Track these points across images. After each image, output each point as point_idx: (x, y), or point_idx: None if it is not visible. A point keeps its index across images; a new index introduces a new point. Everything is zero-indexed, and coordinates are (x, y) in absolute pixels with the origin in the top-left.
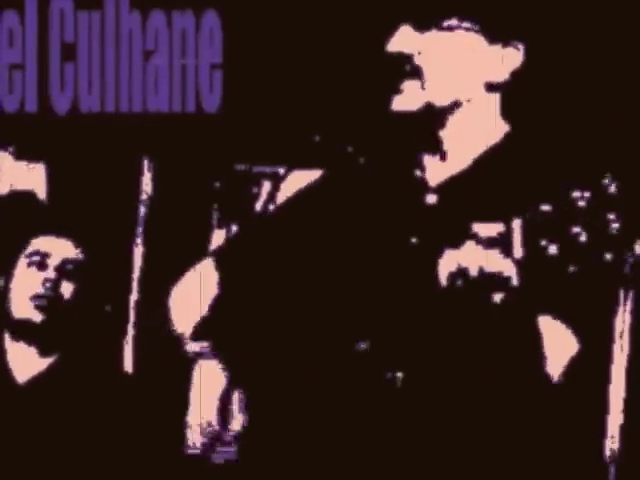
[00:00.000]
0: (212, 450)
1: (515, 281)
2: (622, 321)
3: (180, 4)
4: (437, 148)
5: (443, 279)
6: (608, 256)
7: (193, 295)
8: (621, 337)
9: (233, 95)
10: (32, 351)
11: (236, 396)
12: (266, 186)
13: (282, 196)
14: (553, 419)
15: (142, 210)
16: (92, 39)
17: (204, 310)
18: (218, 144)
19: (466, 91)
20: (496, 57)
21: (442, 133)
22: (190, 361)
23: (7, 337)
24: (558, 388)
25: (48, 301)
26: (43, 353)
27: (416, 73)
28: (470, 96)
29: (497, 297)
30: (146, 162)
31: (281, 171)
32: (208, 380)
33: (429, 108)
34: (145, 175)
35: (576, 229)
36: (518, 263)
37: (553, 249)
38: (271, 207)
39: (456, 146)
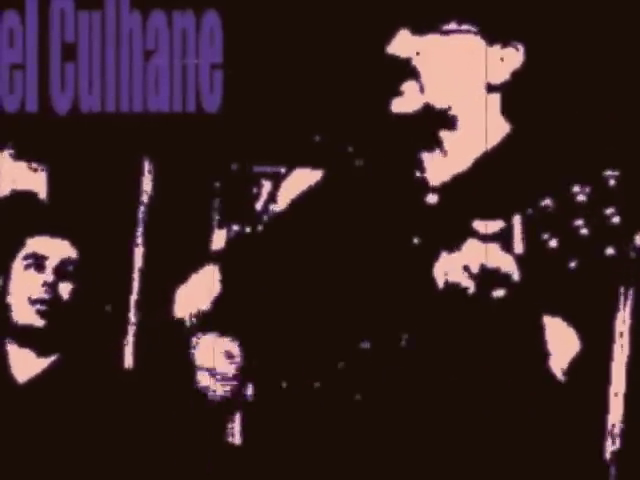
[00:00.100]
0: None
1: (516, 277)
2: (622, 318)
3: (180, 4)
4: (437, 148)
5: (444, 277)
6: (609, 250)
7: (197, 298)
8: (621, 334)
9: (234, 95)
10: (33, 352)
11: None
12: (266, 186)
13: (282, 196)
14: (553, 418)
15: (142, 210)
16: (93, 39)
17: (207, 312)
18: (219, 144)
19: (466, 92)
20: (496, 58)
21: (442, 134)
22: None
23: (8, 339)
24: (558, 386)
25: (48, 305)
26: (44, 354)
27: (415, 75)
28: (470, 97)
29: (499, 293)
30: (146, 162)
31: (282, 171)
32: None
33: (428, 110)
34: (145, 175)
35: (577, 223)
36: (519, 259)
37: (554, 244)
38: (272, 207)
39: (457, 146)
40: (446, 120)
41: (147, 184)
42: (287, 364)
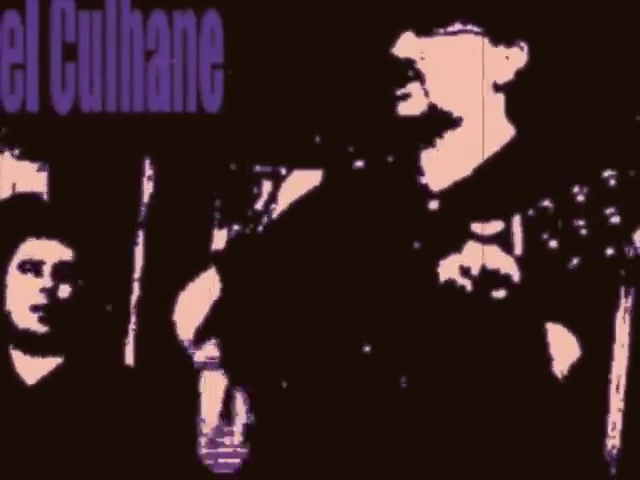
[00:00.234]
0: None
1: (517, 278)
2: (623, 317)
3: (181, 4)
4: (440, 150)
5: (445, 279)
6: (609, 250)
7: (197, 303)
8: (622, 334)
9: (234, 95)
10: (37, 356)
11: (240, 401)
12: (267, 186)
13: (283, 196)
14: (553, 418)
15: (143, 210)
16: (93, 39)
17: (207, 315)
18: (219, 144)
19: (471, 93)
20: (500, 58)
21: (445, 135)
22: (195, 372)
23: (11, 344)
24: (559, 386)
25: (49, 311)
26: (48, 357)
27: (419, 77)
28: (475, 98)
29: (499, 294)
30: (147, 162)
31: (282, 171)
32: (213, 391)
33: (433, 111)
34: (146, 175)
35: (576, 224)
36: (519, 260)
37: (554, 244)
38: (272, 207)
39: (460, 148)
40: (450, 121)
41: (148, 184)
42: (287, 366)
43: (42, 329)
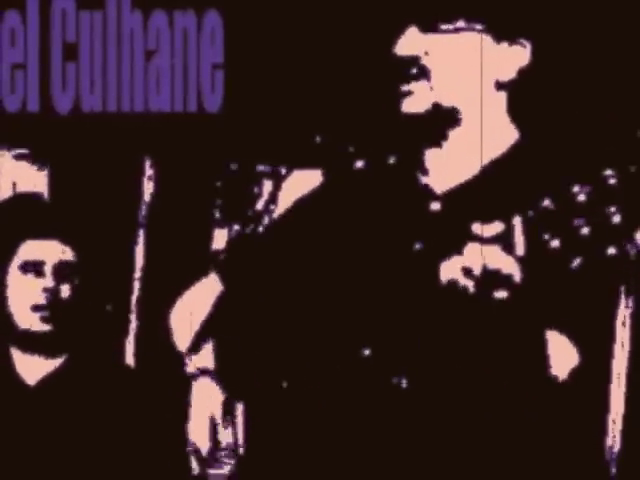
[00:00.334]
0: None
1: (518, 278)
2: (623, 317)
3: (182, 4)
4: (443, 149)
5: (447, 280)
6: (611, 250)
7: (194, 309)
8: (622, 333)
9: (235, 95)
10: (39, 356)
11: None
12: (267, 186)
13: (283, 196)
14: (554, 418)
15: (143, 209)
16: (94, 39)
17: (206, 317)
18: (220, 144)
19: (473, 90)
20: (504, 55)
21: (448, 133)
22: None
23: (13, 345)
24: (559, 386)
25: (51, 310)
26: (51, 357)
27: (424, 74)
28: (477, 95)
29: (501, 295)
30: (148, 161)
31: (282, 171)
32: (205, 400)
33: (436, 109)
34: (146, 174)
35: (577, 223)
36: (521, 260)
37: (555, 244)
38: (272, 207)
39: (463, 149)
40: (452, 119)
41: (148, 183)
42: (288, 368)
43: (43, 329)
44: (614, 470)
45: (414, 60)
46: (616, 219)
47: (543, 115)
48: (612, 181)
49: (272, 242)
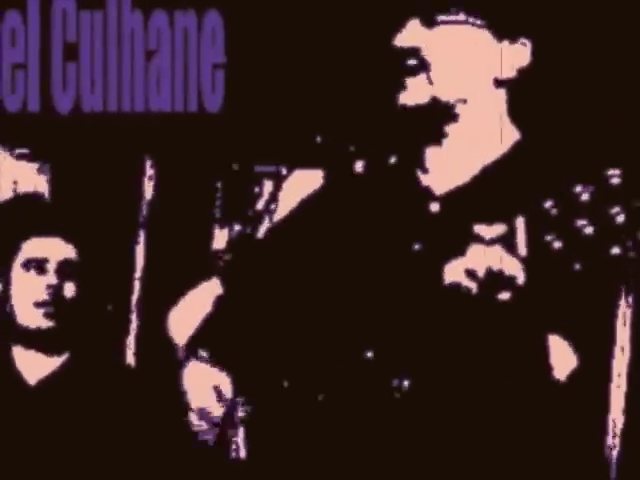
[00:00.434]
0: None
1: (521, 279)
2: (623, 317)
3: (182, 4)
4: (442, 148)
5: (450, 282)
6: (614, 250)
7: (194, 312)
8: (623, 333)
9: (235, 95)
10: (41, 354)
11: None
12: (268, 186)
13: (284, 196)
14: (555, 418)
15: (144, 209)
16: (94, 39)
17: (206, 318)
18: (220, 144)
19: (473, 86)
20: (503, 53)
21: (447, 130)
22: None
23: (14, 342)
24: (560, 387)
25: (54, 307)
26: (53, 355)
27: (423, 67)
28: (477, 92)
29: (504, 296)
30: (148, 161)
31: (283, 171)
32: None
33: (435, 104)
34: (147, 174)
35: (580, 223)
36: (524, 261)
37: (558, 245)
38: (273, 206)
39: (463, 148)
40: (452, 115)
41: (149, 184)
42: (289, 369)
43: (44, 327)
44: (614, 470)
45: (414, 52)
46: (619, 219)
47: (545, 115)
48: (615, 181)
49: (272, 242)
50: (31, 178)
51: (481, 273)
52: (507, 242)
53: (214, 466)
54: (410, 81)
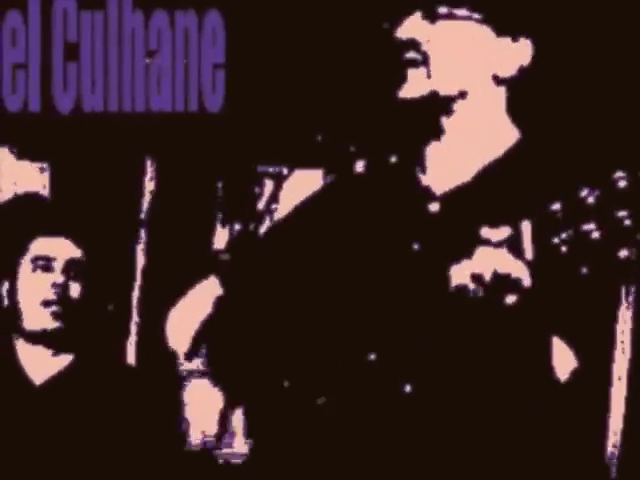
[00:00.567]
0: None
1: (527, 282)
2: (624, 318)
3: (183, 4)
4: (442, 144)
5: (457, 286)
6: (622, 253)
7: (192, 314)
8: (623, 334)
9: (236, 95)
10: (48, 353)
11: (236, 416)
12: (269, 185)
13: (285, 195)
14: (555, 419)
15: (145, 209)
16: (95, 39)
17: (206, 319)
18: (221, 143)
19: (472, 82)
20: (504, 50)
21: (448, 128)
22: (182, 379)
23: (20, 342)
24: (561, 388)
25: (60, 306)
26: (59, 354)
27: (423, 61)
28: (476, 88)
29: (510, 299)
30: (149, 161)
31: (284, 170)
32: (201, 399)
33: (434, 98)
34: (148, 174)
35: (587, 227)
36: (529, 264)
37: (564, 249)
38: (273, 206)
39: (463, 147)
40: (451, 112)
41: (149, 183)
42: (290, 371)
43: (46, 327)
44: (615, 471)
45: (414, 45)
46: (626, 222)
47: (550, 117)
48: (622, 184)
49: (273, 242)
50: (31, 178)
51: (487, 276)
52: (513, 245)
53: (214, 465)
54: (409, 75)
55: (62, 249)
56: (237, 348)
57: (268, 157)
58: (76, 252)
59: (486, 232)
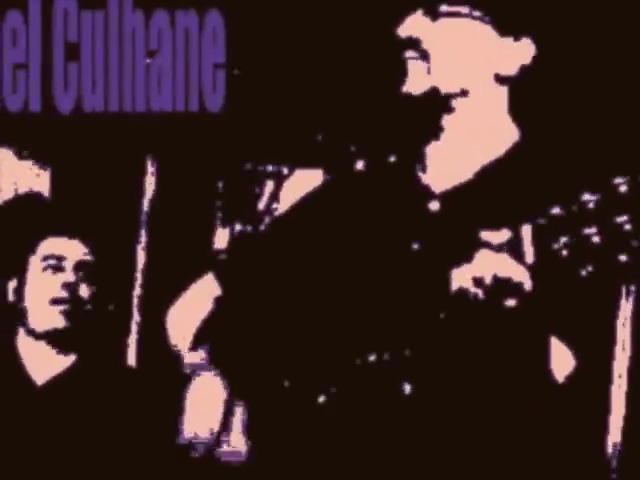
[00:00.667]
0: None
1: (528, 286)
2: (624, 318)
3: (183, 4)
4: (444, 146)
5: (457, 289)
6: (621, 258)
7: (192, 309)
8: (623, 334)
9: (236, 94)
10: (51, 352)
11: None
12: (269, 185)
13: (285, 195)
14: (556, 419)
15: (145, 209)
16: (95, 39)
17: (206, 318)
18: (221, 143)
19: (473, 81)
20: (506, 50)
21: (448, 127)
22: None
23: (25, 340)
24: (561, 388)
25: (70, 305)
26: (61, 354)
27: (423, 59)
28: (477, 86)
29: (510, 303)
30: (149, 161)
31: (284, 170)
32: (205, 393)
33: (435, 96)
34: (148, 174)
35: (588, 232)
36: (530, 268)
37: (565, 253)
38: (274, 206)
39: (463, 146)
40: (452, 110)
41: (150, 183)
42: (289, 368)
43: (55, 326)
44: (615, 471)
45: (416, 43)
46: (627, 227)
47: (551, 120)
48: (623, 189)
49: (273, 242)
50: (32, 178)
51: (488, 280)
52: (514, 249)
53: (215, 465)
54: (410, 73)
55: (72, 249)
56: (238, 347)
57: (268, 157)
58: (85, 252)
59: (486, 235)
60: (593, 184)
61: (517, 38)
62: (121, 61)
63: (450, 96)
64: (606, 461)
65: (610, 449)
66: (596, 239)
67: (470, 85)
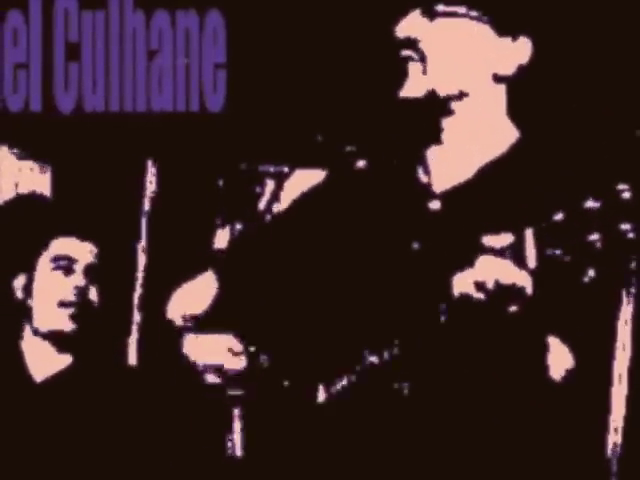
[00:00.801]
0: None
1: (530, 291)
2: (624, 319)
3: (184, 4)
4: (441, 143)
5: (459, 293)
6: (623, 264)
7: (192, 298)
8: (623, 335)
9: (237, 95)
10: (53, 351)
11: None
12: (270, 185)
13: (285, 195)
14: (556, 419)
15: (146, 209)
16: (96, 39)
17: (207, 312)
18: (222, 143)
19: (471, 80)
20: (504, 49)
21: (447, 127)
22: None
23: (29, 338)
24: (562, 389)
25: (78, 309)
26: (64, 353)
27: (421, 59)
28: (475, 86)
29: (512, 308)
30: (150, 161)
31: (285, 170)
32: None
33: (433, 96)
34: (149, 174)
35: (591, 238)
36: (532, 273)
37: (567, 259)
38: (274, 206)
39: (463, 145)
40: (450, 110)
41: (151, 183)
42: (289, 368)
43: (62, 328)
44: (616, 471)
45: (413, 43)
46: (630, 234)
47: (552, 122)
48: (625, 195)
49: (274, 241)
50: (32, 178)
51: (490, 284)
52: (516, 254)
53: (215, 464)
54: (408, 73)
55: (83, 251)
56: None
57: (269, 156)
58: (95, 254)
59: (488, 239)
60: (596, 190)
61: (515, 38)
62: (122, 61)
63: (449, 97)
64: (606, 461)
65: (610, 449)
66: (599, 245)
67: (468, 85)
